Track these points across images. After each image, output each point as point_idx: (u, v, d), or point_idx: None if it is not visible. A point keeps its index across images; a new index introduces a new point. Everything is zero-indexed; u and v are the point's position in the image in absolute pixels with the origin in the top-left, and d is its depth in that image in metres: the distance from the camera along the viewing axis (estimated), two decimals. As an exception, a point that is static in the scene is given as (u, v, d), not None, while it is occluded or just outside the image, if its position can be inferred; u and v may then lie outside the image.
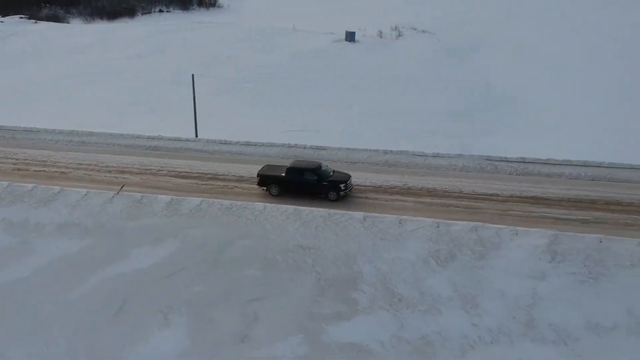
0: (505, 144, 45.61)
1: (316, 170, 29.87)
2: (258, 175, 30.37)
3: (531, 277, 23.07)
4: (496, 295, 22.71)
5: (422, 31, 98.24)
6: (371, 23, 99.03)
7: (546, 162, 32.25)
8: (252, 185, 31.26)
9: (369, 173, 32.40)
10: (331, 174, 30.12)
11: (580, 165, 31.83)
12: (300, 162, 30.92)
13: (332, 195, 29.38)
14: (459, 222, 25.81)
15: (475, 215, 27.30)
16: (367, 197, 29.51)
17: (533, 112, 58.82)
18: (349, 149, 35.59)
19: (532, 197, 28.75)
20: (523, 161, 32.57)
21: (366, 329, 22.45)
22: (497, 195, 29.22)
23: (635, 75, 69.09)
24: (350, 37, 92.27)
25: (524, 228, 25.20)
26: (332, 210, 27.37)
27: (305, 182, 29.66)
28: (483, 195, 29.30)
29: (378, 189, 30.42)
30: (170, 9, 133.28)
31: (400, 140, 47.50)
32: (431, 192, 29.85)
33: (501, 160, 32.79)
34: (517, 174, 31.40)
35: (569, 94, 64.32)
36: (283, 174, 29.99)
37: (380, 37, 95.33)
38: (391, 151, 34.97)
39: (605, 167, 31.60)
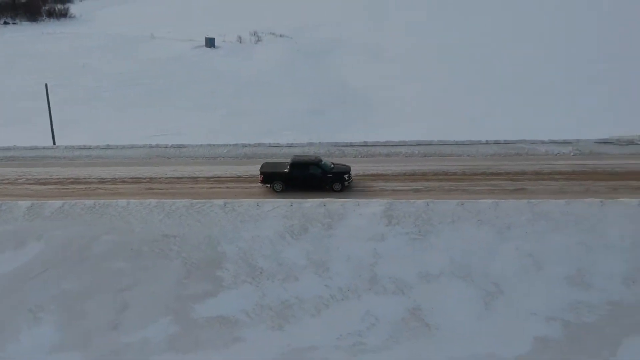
0: (358, 136, 49.71)
1: (319, 163, 30.96)
2: (261, 173, 30.82)
3: (372, 240, 26.47)
4: (344, 259, 25.84)
5: (280, 35, 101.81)
6: (231, 29, 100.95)
7: (385, 144, 36.28)
8: (115, 185, 32.17)
9: (229, 165, 34.50)
10: (332, 166, 31.39)
11: (414, 145, 36.15)
12: (301, 157, 31.72)
13: (337, 186, 30.63)
14: (310, 199, 28.70)
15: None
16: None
17: (383, 105, 63.97)
18: (209, 145, 37.44)
19: (374, 174, 32.47)
20: (365, 145, 36.36)
21: (231, 302, 24.64)
22: (345, 175, 32.63)
23: (472, 71, 77.03)
24: (210, 43, 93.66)
25: (365, 199, 28.65)
26: (195, 200, 29.16)
27: (310, 176, 30.70)
28: (332, 176, 32.56)
29: (239, 179, 32.61)
30: (17, 20, 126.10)
31: (262, 138, 50.08)
32: (286, 178, 32.55)
33: (347, 145, 36.35)
34: (361, 156, 35.09)
35: (413, 86, 70.44)
36: (286, 170, 30.76)
37: (240, 42, 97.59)
38: (249, 144, 37.35)
39: (435, 144, 36.15)
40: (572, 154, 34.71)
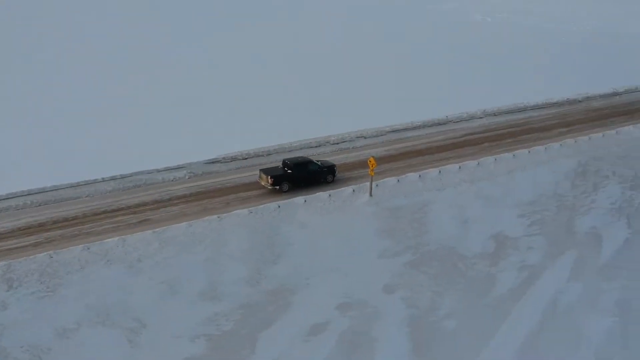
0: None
1: (313, 161, 36.26)
2: (271, 176, 34.28)
3: (-8, 311, 23.59)
4: (-42, 343, 22.34)
5: None
6: None
7: (-5, 201, 32.46)
8: None
9: None
10: (320, 162, 36.59)
11: (25, 195, 33.24)
12: (296, 158, 36.30)
13: (330, 178, 36.31)
14: None
15: None
16: None
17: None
18: None
19: (-20, 237, 28.92)
20: (-35, 204, 31.97)
21: None
22: (-56, 245, 28.17)
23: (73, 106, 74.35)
24: None
25: (-22, 267, 25.31)
26: None
27: (311, 172, 35.66)
28: None
29: None
30: None
31: None
32: None
33: (-59, 208, 31.36)
34: (-39, 219, 30.75)
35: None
36: (290, 171, 34.96)
37: None
38: None
39: (49, 190, 33.95)
40: (187, 177, 37.03)
